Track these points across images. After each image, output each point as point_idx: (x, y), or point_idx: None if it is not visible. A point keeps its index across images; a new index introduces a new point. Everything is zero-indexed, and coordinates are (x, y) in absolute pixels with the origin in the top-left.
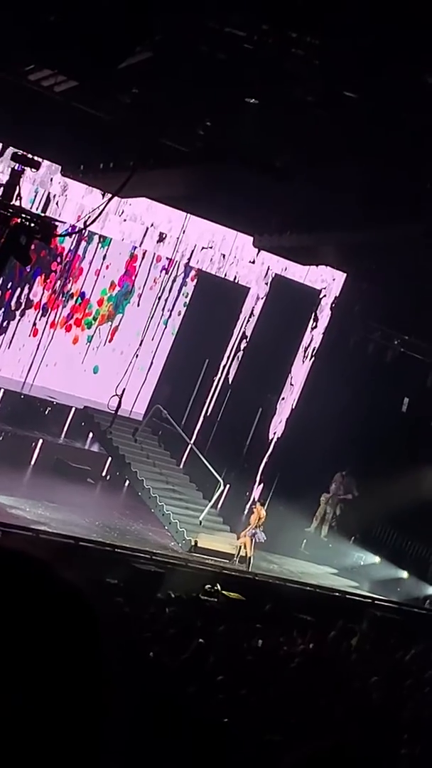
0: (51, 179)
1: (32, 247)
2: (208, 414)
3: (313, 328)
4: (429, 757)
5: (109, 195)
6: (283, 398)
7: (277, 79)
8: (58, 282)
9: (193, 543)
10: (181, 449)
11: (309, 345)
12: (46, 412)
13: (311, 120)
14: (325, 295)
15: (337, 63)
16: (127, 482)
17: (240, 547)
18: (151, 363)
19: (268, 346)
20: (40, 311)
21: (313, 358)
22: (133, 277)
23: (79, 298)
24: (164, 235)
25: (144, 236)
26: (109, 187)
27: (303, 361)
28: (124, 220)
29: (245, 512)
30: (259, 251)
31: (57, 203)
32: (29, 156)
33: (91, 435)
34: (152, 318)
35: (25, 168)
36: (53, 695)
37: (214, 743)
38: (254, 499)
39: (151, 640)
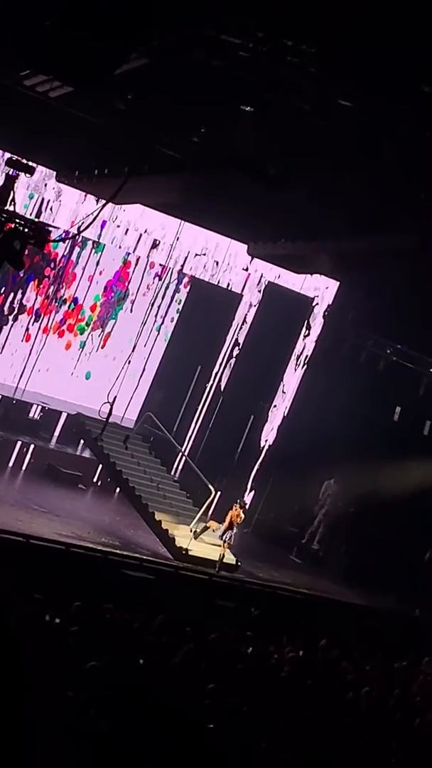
0: (45, 184)
1: (26, 252)
2: (200, 421)
3: (305, 336)
4: (418, 766)
5: (103, 201)
6: (274, 406)
7: (273, 87)
8: (52, 287)
9: (183, 550)
10: (172, 456)
11: (301, 353)
12: (38, 418)
13: (306, 128)
14: (317, 304)
15: (332, 72)
16: (118, 489)
17: (221, 555)
18: (144, 369)
19: (260, 354)
20: (33, 316)
21: (305, 366)
22: (127, 283)
23: (72, 304)
24: (158, 242)
25: (138, 242)
26: (103, 193)
27: (295, 369)
28: (118, 226)
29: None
30: (252, 259)
31: (51, 209)
32: (24, 161)
33: (82, 441)
34: (145, 324)
35: (20, 173)
36: None
37: (201, 749)
38: (238, 500)
39: (141, 647)
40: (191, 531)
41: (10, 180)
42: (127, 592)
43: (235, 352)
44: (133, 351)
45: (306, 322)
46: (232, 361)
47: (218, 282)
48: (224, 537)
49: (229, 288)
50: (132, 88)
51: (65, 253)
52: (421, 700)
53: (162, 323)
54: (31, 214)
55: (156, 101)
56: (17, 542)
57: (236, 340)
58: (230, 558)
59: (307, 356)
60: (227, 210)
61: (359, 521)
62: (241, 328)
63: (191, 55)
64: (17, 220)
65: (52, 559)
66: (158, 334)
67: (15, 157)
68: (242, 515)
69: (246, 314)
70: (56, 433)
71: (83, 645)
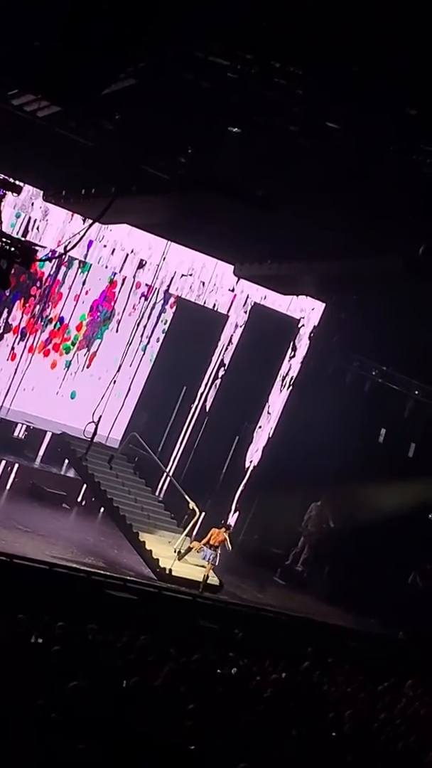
0: (32, 204)
1: (12, 271)
2: (185, 441)
3: (291, 358)
4: None
5: (90, 220)
6: (260, 427)
7: (260, 108)
8: (38, 307)
9: (167, 571)
10: (157, 477)
11: (287, 374)
12: (23, 437)
13: (294, 150)
14: (303, 325)
15: (319, 94)
16: (103, 508)
17: (205, 575)
18: (129, 389)
19: (246, 375)
20: (19, 335)
21: (290, 387)
22: (113, 303)
23: (58, 323)
24: (144, 262)
25: (124, 262)
26: (90, 213)
27: (280, 390)
28: (105, 246)
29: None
30: (238, 280)
31: (38, 228)
32: (11, 180)
33: (66, 461)
34: (131, 344)
35: (7, 192)
36: None
37: None
38: (223, 522)
39: (124, 668)
40: (175, 551)
41: None
42: (111, 613)
43: (221, 372)
44: (118, 371)
45: (292, 343)
46: (218, 381)
47: (204, 302)
48: (207, 557)
49: (215, 309)
50: (120, 109)
51: (51, 273)
52: (404, 722)
53: (148, 343)
54: (17, 233)
55: (144, 122)
56: (0, 561)
57: (222, 360)
58: (214, 579)
59: (292, 377)
60: (214, 231)
61: (343, 543)
62: (226, 348)
63: (179, 76)
64: (3, 239)
65: (35, 579)
66: (144, 354)
67: (2, 176)
68: (227, 537)
69: (232, 335)
70: (41, 453)
71: (66, 665)
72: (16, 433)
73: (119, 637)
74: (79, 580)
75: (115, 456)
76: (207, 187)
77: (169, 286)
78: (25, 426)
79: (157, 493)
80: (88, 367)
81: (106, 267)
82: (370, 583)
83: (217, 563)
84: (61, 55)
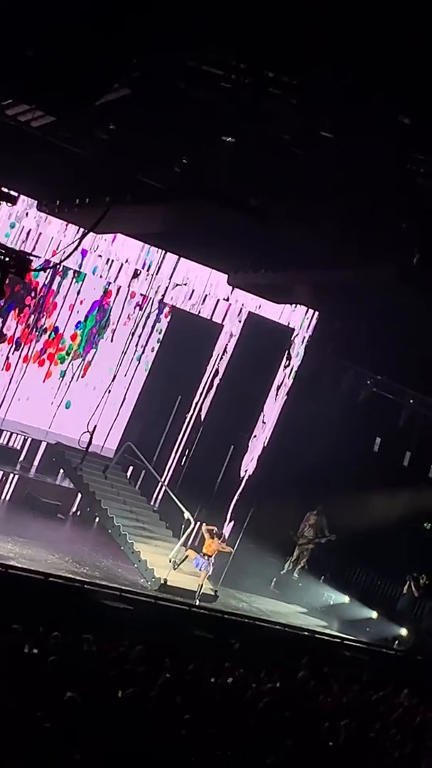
0: (27, 214)
1: (7, 281)
2: (180, 451)
3: (285, 367)
4: None
5: (84, 230)
6: (255, 436)
7: (254, 117)
8: (32, 316)
9: (162, 581)
10: (152, 486)
11: (281, 383)
12: (18, 447)
13: (287, 159)
14: (298, 334)
15: (313, 103)
16: (98, 518)
17: (200, 585)
18: (124, 399)
19: (241, 384)
20: (14, 345)
21: (285, 397)
22: (107, 313)
23: (53, 333)
24: (139, 272)
25: (119, 272)
26: (84, 223)
27: (275, 400)
28: (99, 256)
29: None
30: (233, 289)
31: (32, 238)
32: (5, 190)
33: (61, 471)
34: (125, 354)
35: (2, 202)
36: None
37: None
38: (215, 531)
39: (119, 678)
40: (170, 561)
41: None
42: (106, 623)
43: (216, 382)
44: (113, 380)
45: (286, 352)
46: (213, 391)
47: (199, 312)
48: (200, 566)
49: (210, 318)
50: (114, 119)
51: (46, 282)
52: (399, 732)
53: (142, 353)
54: (12, 244)
55: (138, 132)
56: None
57: (216, 370)
58: (208, 588)
59: (287, 387)
60: (208, 240)
61: (339, 552)
62: (221, 358)
63: (173, 86)
64: None
65: (30, 589)
66: (138, 363)
67: None
68: (221, 547)
69: (226, 344)
70: (36, 463)
71: (61, 676)
72: (10, 443)
73: (114, 647)
74: (74, 590)
75: (110, 466)
76: (201, 196)
77: (163, 295)
78: (20, 436)
79: (152, 503)
80: (82, 377)
81: (101, 277)
82: (365, 592)
83: (210, 572)
84: (54, 65)
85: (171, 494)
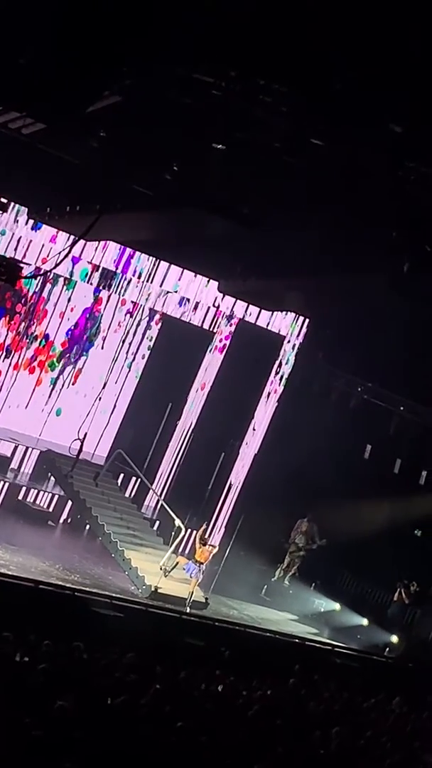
0: (17, 221)
1: None
2: (171, 458)
3: (276, 374)
4: None
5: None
6: (245, 443)
7: (245, 125)
8: (23, 324)
9: (153, 588)
10: (143, 494)
11: (272, 390)
12: (8, 454)
13: (278, 166)
14: (288, 341)
15: (303, 110)
16: (88, 526)
17: (191, 592)
18: (114, 406)
19: (231, 391)
20: (4, 353)
21: (276, 404)
22: (98, 320)
23: (43, 340)
24: (129, 279)
25: (110, 280)
26: (75, 230)
27: (266, 406)
28: (89, 263)
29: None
30: (224, 296)
31: (23, 245)
32: None
33: (52, 478)
34: (116, 361)
35: None
36: None
37: None
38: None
39: (110, 686)
40: (161, 568)
41: None
42: (97, 631)
43: (206, 389)
44: (104, 388)
45: (277, 359)
46: (203, 398)
47: (189, 319)
48: (191, 572)
49: (201, 325)
50: (105, 126)
51: (36, 290)
52: (390, 740)
53: (133, 360)
54: (3, 251)
55: (129, 139)
56: None
57: (207, 377)
58: (199, 595)
59: (277, 393)
60: (199, 247)
61: (330, 559)
62: (212, 365)
63: (164, 94)
64: None
65: (21, 597)
66: (129, 371)
67: None
68: (211, 549)
69: (217, 351)
70: (26, 470)
71: (51, 684)
72: (1, 451)
73: (105, 654)
74: (65, 597)
75: (101, 473)
76: (192, 203)
77: (154, 303)
78: (10, 443)
79: (142, 510)
80: (73, 384)
81: (91, 284)
82: (357, 600)
83: (201, 579)
84: (46, 73)
85: (162, 502)
